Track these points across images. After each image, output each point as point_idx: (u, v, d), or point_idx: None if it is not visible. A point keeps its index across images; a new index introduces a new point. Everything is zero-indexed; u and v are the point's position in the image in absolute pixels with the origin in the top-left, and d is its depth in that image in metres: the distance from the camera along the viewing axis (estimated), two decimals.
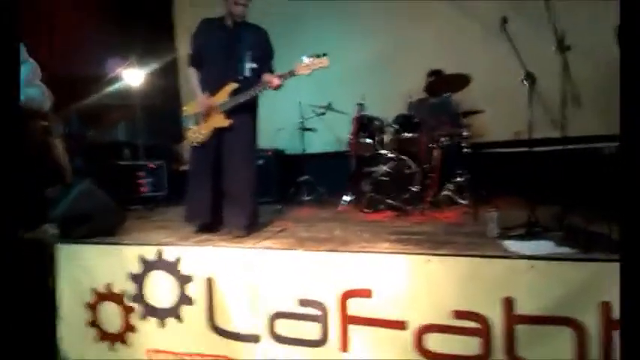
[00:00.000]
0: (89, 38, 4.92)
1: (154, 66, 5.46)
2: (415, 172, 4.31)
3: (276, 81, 3.19)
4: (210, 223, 3.41)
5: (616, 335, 2.23)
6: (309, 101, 5.17)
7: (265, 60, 3.40)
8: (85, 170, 4.44)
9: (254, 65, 3.32)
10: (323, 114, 5.17)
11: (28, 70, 4.34)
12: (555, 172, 3.03)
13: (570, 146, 2.94)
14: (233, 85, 3.27)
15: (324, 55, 3.16)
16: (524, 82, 2.96)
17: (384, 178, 4.32)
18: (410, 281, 2.52)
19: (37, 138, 3.81)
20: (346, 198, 4.51)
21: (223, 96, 3.29)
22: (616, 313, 2.23)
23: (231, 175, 3.31)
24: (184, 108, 3.50)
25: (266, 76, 3.27)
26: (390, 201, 4.21)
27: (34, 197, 3.29)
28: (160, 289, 2.93)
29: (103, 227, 3.27)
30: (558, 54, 2.87)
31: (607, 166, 4.33)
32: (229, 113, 3.29)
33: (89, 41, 4.95)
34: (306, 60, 3.15)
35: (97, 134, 6.07)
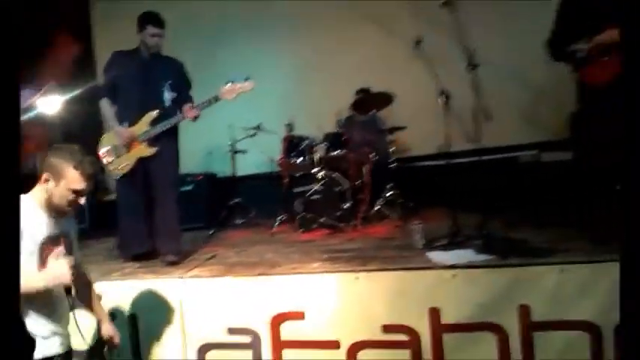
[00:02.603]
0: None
1: (72, 94, 5.21)
2: (346, 189, 4.36)
3: (192, 113, 3.28)
4: (146, 252, 3.42)
5: (535, 336, 2.35)
6: (240, 123, 5.13)
7: (183, 90, 3.47)
8: None
9: (173, 94, 3.39)
10: (254, 135, 5.13)
11: None
12: (475, 181, 3.17)
13: (486, 157, 3.08)
14: (152, 115, 3.29)
15: (247, 79, 3.32)
16: (440, 98, 3.10)
17: (316, 197, 4.33)
18: (341, 299, 2.53)
19: None
20: (279, 219, 4.47)
21: (143, 125, 3.31)
22: (534, 315, 2.35)
23: (161, 202, 3.35)
24: (100, 141, 3.44)
25: (185, 106, 3.33)
26: (322, 219, 4.22)
27: None
28: (84, 328, 2.74)
29: None
30: (469, 71, 3.02)
31: (523, 173, 4.62)
32: (152, 141, 3.31)
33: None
34: (229, 85, 3.29)
35: None
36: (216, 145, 5.47)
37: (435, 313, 2.38)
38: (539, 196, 4.09)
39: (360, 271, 2.53)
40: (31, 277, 1.69)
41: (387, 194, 4.49)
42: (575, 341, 2.31)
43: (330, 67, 5.58)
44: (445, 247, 2.84)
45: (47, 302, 1.81)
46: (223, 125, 5.14)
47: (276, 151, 4.92)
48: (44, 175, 1.83)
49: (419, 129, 4.93)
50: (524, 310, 2.34)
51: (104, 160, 3.36)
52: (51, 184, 1.82)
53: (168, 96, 3.37)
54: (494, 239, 2.80)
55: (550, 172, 4.32)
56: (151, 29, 3.27)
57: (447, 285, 2.43)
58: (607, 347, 2.27)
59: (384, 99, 4.50)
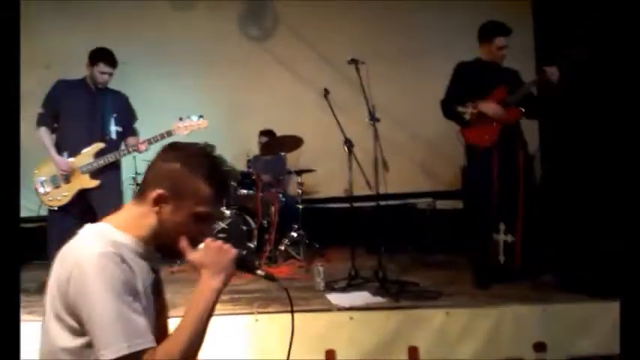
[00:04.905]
0: None
1: None
2: (252, 228, 4.37)
3: (142, 147, 3.39)
4: None
5: None
6: (145, 157, 4.95)
7: (129, 124, 3.55)
8: None
9: (119, 128, 3.44)
10: None
11: None
12: (375, 225, 3.35)
13: (387, 202, 3.29)
14: (99, 146, 3.32)
15: (201, 116, 3.45)
16: (344, 146, 3.29)
17: (222, 236, 4.27)
18: (239, 342, 2.50)
19: None
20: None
21: (87, 157, 3.31)
22: (423, 356, 2.49)
23: None
24: (35, 170, 3.35)
25: (131, 140, 3.44)
26: None
27: None
28: None
29: None
30: (371, 124, 3.25)
31: (420, 219, 4.95)
32: (94, 173, 3.32)
33: None
34: (183, 121, 3.43)
35: None
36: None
37: (330, 355, 2.43)
38: (432, 241, 4.41)
39: (260, 312, 2.53)
40: None
41: (293, 234, 4.55)
42: None
43: (242, 107, 5.65)
44: (344, 289, 2.94)
45: None
46: (129, 158, 4.93)
47: None
48: (156, 191, 1.12)
49: (327, 172, 5.11)
50: (413, 351, 2.47)
51: (40, 190, 3.30)
52: (167, 207, 1.14)
53: (114, 129, 3.41)
54: (388, 282, 2.95)
55: (444, 219, 4.69)
56: (102, 67, 3.32)
57: (344, 327, 2.51)
58: None
59: (293, 142, 4.62)
